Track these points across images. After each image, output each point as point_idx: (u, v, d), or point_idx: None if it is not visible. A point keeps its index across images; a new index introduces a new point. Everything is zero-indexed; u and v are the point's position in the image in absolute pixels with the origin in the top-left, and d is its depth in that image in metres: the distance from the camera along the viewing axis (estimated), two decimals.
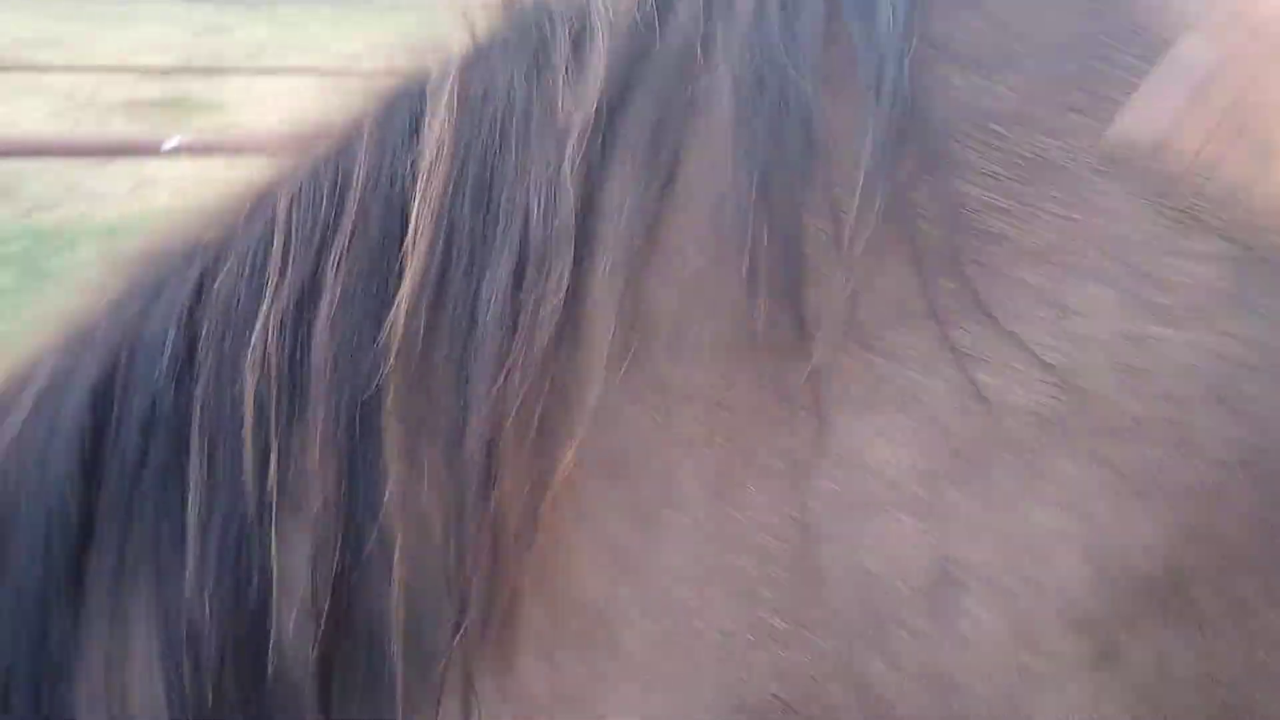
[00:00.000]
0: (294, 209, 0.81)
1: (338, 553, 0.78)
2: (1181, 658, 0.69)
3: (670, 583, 0.73)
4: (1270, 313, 0.71)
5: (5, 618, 0.81)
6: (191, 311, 0.82)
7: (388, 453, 0.78)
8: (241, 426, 0.79)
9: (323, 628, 0.78)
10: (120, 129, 9.12)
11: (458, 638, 0.76)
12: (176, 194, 7.85)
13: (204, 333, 0.81)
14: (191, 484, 0.79)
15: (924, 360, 0.72)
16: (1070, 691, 0.69)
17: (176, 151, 7.24)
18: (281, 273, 0.80)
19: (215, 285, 0.81)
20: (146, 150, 7.45)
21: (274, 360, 0.79)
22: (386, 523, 0.78)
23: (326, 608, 0.78)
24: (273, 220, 0.81)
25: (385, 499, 0.78)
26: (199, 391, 0.80)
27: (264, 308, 0.79)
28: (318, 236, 0.80)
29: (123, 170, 8.22)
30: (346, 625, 0.79)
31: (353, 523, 0.78)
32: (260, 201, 0.85)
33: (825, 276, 0.74)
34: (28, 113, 9.36)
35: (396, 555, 0.78)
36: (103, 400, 0.82)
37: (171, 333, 0.81)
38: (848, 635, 0.71)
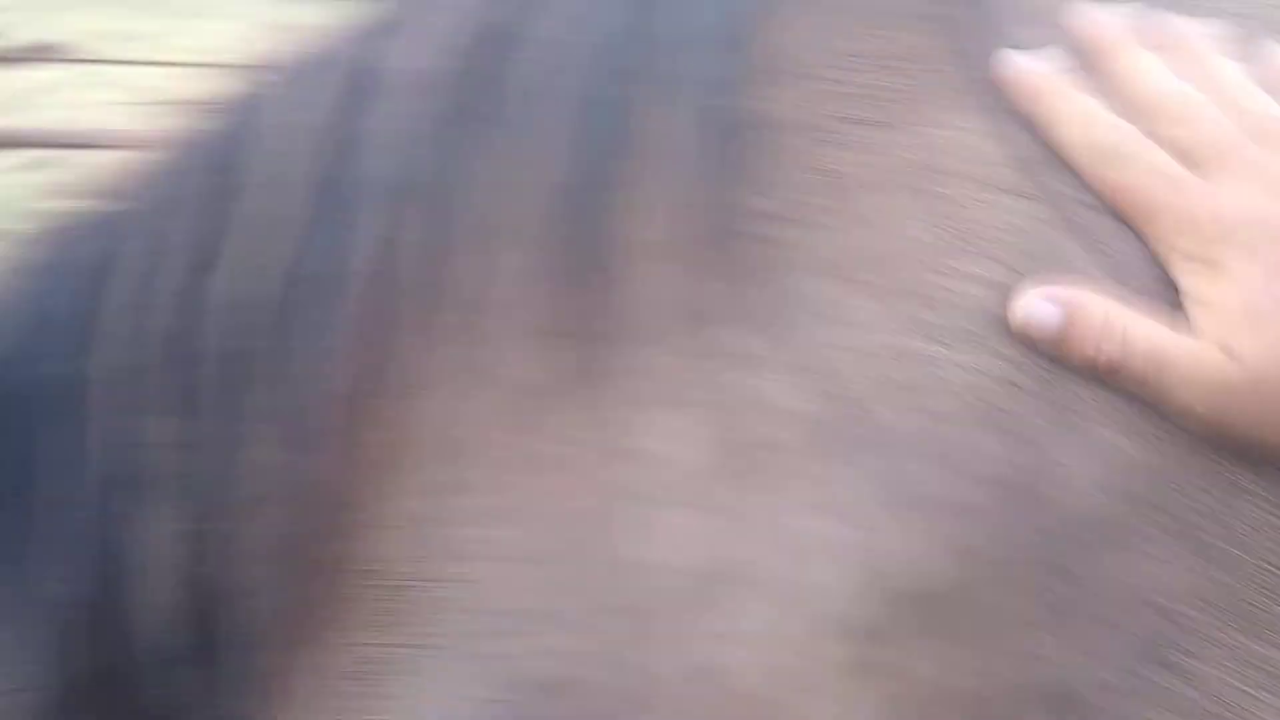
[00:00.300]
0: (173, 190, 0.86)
1: (194, 526, 0.81)
2: (935, 672, 0.71)
3: (460, 561, 0.76)
4: None
5: None
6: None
7: (248, 425, 0.82)
8: (84, 403, 0.83)
9: (178, 600, 0.83)
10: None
11: (281, 614, 0.80)
12: None
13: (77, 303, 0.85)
14: (46, 469, 0.83)
15: (704, 362, 0.75)
16: (832, 699, 0.71)
17: None
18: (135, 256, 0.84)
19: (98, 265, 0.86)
20: None
21: (123, 330, 0.83)
22: (241, 493, 0.81)
23: (184, 578, 0.82)
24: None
25: (237, 471, 0.81)
26: (71, 367, 0.85)
27: (115, 281, 0.84)
28: (179, 217, 0.85)
29: None
30: (201, 597, 0.82)
31: (211, 495, 0.82)
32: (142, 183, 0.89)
33: (622, 274, 0.77)
34: (101, 106, 9.63)
35: (239, 534, 0.82)
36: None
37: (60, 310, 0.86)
38: (620, 624, 0.74)
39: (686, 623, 0.73)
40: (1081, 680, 0.70)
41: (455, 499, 0.78)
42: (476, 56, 0.83)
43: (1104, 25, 0.79)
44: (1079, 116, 0.76)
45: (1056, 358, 0.72)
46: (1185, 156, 0.73)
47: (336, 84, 0.84)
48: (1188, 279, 0.71)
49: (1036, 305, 0.72)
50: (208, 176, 0.87)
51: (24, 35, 9.09)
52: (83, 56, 9.64)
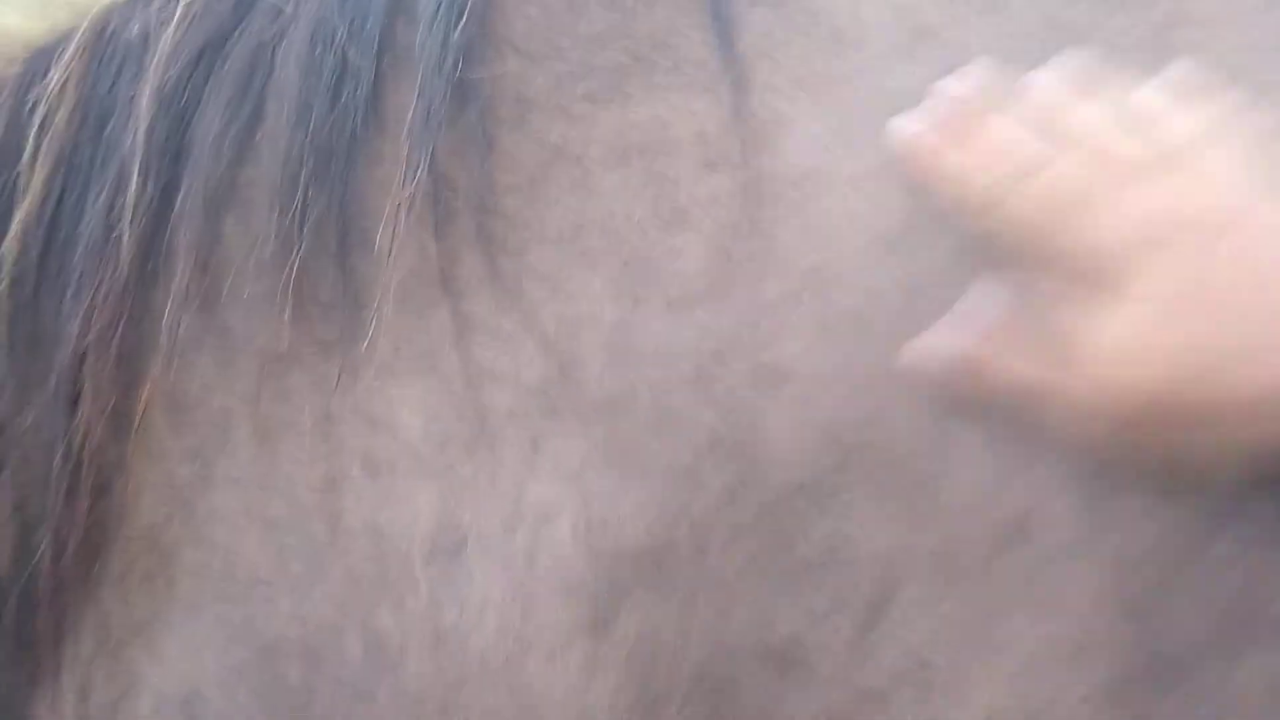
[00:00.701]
0: None
1: None
2: (666, 630, 0.73)
3: (216, 524, 0.79)
4: (740, 304, 0.76)
5: None
6: None
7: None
8: None
9: None
10: None
11: (52, 571, 0.82)
12: None
13: None
14: None
15: (442, 331, 0.78)
16: (567, 659, 0.74)
17: None
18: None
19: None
20: None
21: None
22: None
23: None
24: None
25: None
26: None
27: None
28: None
29: None
30: None
31: None
32: None
33: (368, 243, 0.79)
34: None
35: (4, 480, 0.84)
36: None
37: None
38: (361, 588, 0.76)
39: (424, 589, 0.75)
40: (802, 638, 0.72)
41: (215, 465, 0.80)
42: (231, 27, 0.84)
43: (963, 92, 0.76)
44: (959, 172, 0.74)
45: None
46: (1053, 201, 0.72)
47: (90, 52, 0.86)
48: (1064, 312, 0.70)
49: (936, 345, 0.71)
50: None
51: None
52: None
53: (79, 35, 0.88)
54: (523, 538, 0.75)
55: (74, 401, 0.82)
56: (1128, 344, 0.66)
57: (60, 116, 0.86)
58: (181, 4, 0.85)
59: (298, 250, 0.79)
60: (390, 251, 0.79)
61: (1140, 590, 0.69)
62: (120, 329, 0.82)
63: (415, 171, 0.78)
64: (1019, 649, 0.70)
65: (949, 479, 0.72)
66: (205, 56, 0.84)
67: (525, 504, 0.75)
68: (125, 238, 0.82)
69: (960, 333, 0.71)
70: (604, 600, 0.74)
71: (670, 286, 0.76)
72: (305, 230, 0.79)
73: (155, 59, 0.84)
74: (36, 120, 0.86)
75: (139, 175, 0.82)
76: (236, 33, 0.84)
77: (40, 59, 0.89)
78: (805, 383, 0.74)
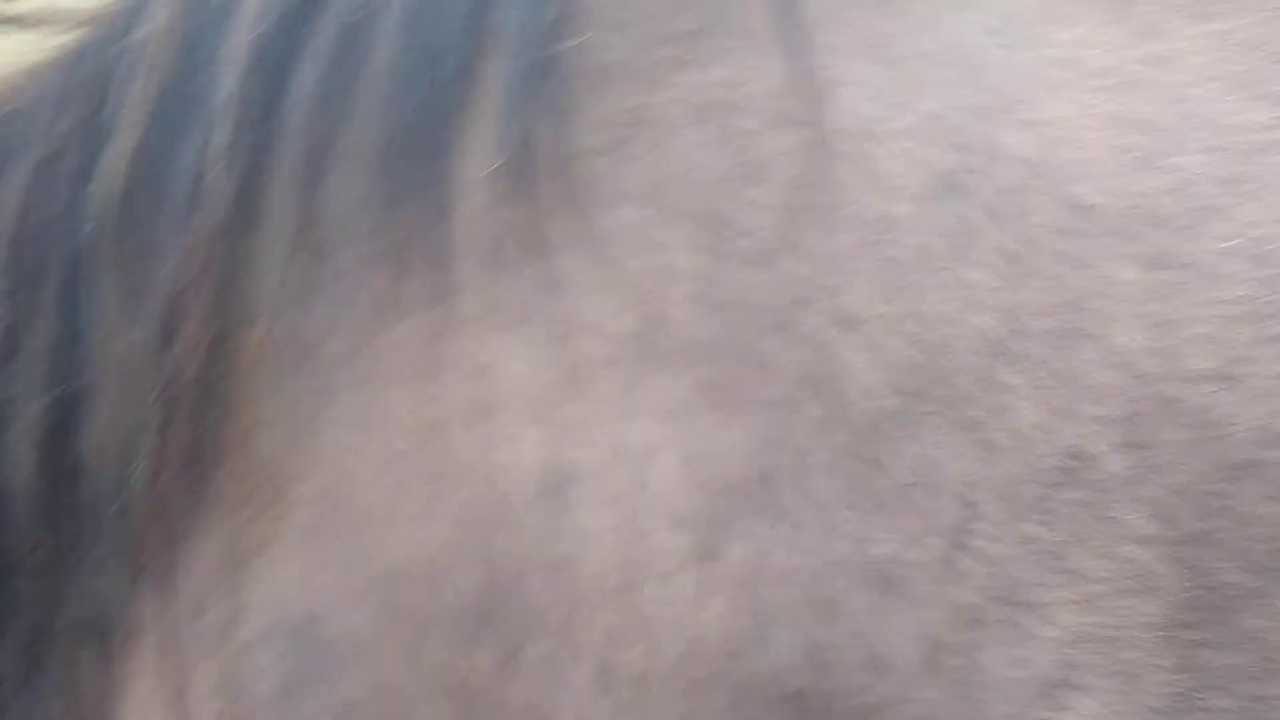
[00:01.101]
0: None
1: (50, 393, 0.90)
2: (774, 553, 0.79)
3: (334, 459, 0.85)
4: (815, 253, 0.83)
5: None
6: None
7: (96, 308, 0.89)
8: None
9: (45, 471, 0.90)
10: None
11: (153, 489, 0.87)
12: None
13: None
14: None
15: (538, 287, 0.84)
16: (677, 584, 0.80)
17: None
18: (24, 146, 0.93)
19: None
20: None
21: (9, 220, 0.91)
22: (93, 369, 0.89)
23: (42, 445, 0.90)
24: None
25: (93, 347, 0.89)
26: None
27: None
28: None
29: None
30: (63, 470, 0.91)
31: (64, 364, 0.90)
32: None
33: (459, 206, 0.85)
34: None
35: (100, 404, 0.89)
36: None
37: None
38: (478, 519, 0.82)
39: (539, 522, 0.82)
40: (899, 557, 0.79)
41: (334, 404, 0.85)
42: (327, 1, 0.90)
43: None
44: None
45: None
46: None
47: (186, 8, 0.91)
48: None
49: None
50: (72, 87, 0.94)
51: None
52: None
53: None
54: (628, 473, 0.81)
55: (171, 336, 0.88)
56: None
57: (157, 58, 0.91)
58: None
59: (391, 208, 0.86)
60: (481, 213, 0.85)
61: (1182, 531, 0.77)
62: (217, 270, 0.87)
63: (508, 136, 0.84)
64: (1089, 577, 0.77)
65: (1007, 414, 0.80)
66: (294, 18, 0.89)
67: (628, 442, 0.81)
68: (220, 183, 0.87)
69: None
70: (712, 528, 0.80)
71: (751, 237, 0.83)
72: (398, 190, 0.86)
73: (245, 15, 0.89)
74: (132, 62, 0.91)
75: (234, 124, 0.87)
76: (334, 5, 0.89)
77: (127, 11, 0.94)
78: (877, 324, 0.81)
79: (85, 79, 0.93)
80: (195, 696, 0.87)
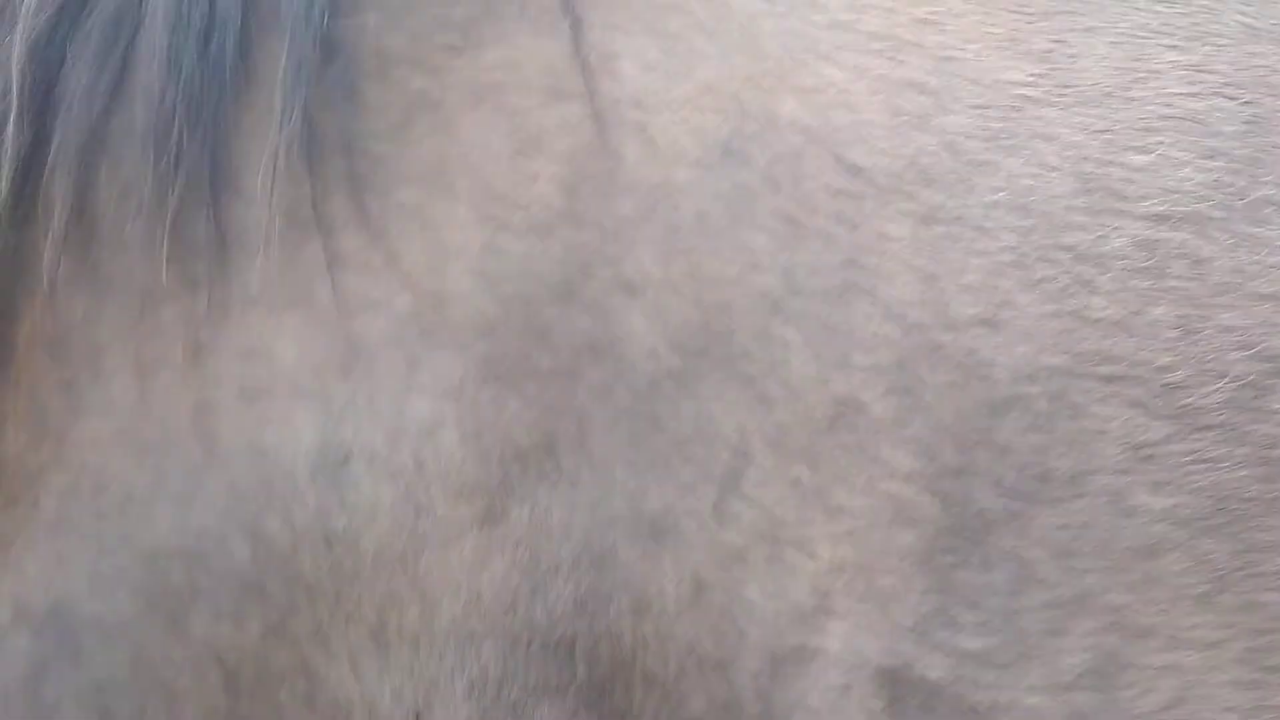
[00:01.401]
0: None
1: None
2: (554, 512, 0.81)
3: (87, 449, 0.84)
4: (597, 221, 0.84)
5: None
6: None
7: None
8: None
9: None
10: None
11: None
12: None
13: None
14: None
15: (314, 267, 0.84)
16: (458, 550, 0.81)
17: None
18: None
19: None
20: None
21: None
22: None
23: None
24: None
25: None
26: None
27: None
28: None
29: None
30: None
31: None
32: None
33: (240, 187, 0.85)
34: None
35: None
36: None
37: None
38: (245, 500, 0.82)
39: (311, 499, 0.81)
40: (675, 511, 0.81)
41: (89, 394, 0.84)
42: None
43: None
44: None
45: None
46: None
47: None
48: None
49: None
50: None
51: None
52: None
53: None
54: (409, 449, 0.81)
55: None
56: None
57: None
58: None
59: (172, 194, 0.84)
60: (261, 194, 0.84)
61: (943, 465, 0.80)
62: None
63: (288, 119, 0.84)
64: (850, 513, 0.80)
65: (781, 367, 0.82)
66: (71, 6, 0.88)
67: (408, 419, 0.81)
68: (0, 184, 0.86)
69: None
70: (494, 495, 0.81)
71: (530, 210, 0.83)
72: (179, 175, 0.84)
73: (24, 8, 0.87)
74: None
75: (14, 125, 0.86)
76: None
77: None
78: (659, 288, 0.82)
79: None
80: None
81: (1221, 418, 0.78)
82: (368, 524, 0.81)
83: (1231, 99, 0.86)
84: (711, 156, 0.84)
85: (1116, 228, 0.81)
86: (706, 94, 0.86)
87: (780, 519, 0.81)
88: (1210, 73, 0.87)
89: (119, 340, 0.84)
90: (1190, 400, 0.78)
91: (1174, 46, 0.89)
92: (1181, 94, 0.86)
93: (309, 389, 0.82)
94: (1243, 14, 0.91)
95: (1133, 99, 0.86)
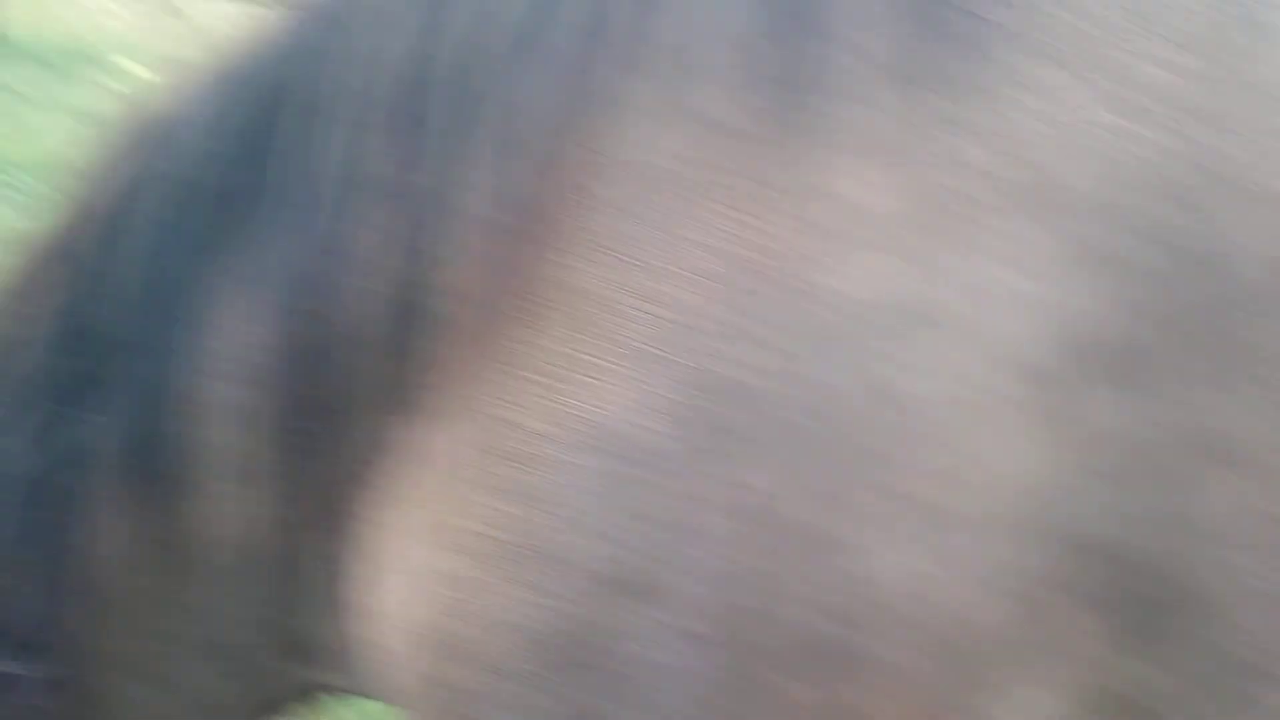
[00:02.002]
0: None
1: (419, 233, 0.93)
2: (1105, 417, 0.79)
3: (658, 279, 0.86)
4: (1225, 120, 0.81)
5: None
6: (341, 35, 0.98)
7: (474, 153, 0.92)
8: (364, 122, 0.94)
9: (399, 304, 0.93)
10: None
11: (476, 311, 0.90)
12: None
13: (352, 47, 0.97)
14: (317, 169, 0.95)
15: (907, 119, 0.83)
16: (1022, 437, 0.79)
17: None
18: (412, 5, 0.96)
19: (368, 16, 0.98)
20: None
21: (399, 69, 0.95)
22: (459, 215, 0.92)
23: (406, 284, 0.93)
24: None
25: (461, 193, 0.92)
26: (331, 94, 0.96)
27: (390, 41, 0.96)
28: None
29: None
30: (414, 306, 0.94)
31: (434, 209, 0.93)
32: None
33: (834, 34, 0.85)
34: None
35: (457, 242, 0.92)
36: (265, 97, 0.99)
37: (325, 45, 0.98)
38: (806, 344, 0.82)
39: (871, 351, 0.81)
40: (1241, 434, 0.79)
41: (653, 224, 0.86)
42: None
43: None
44: None
45: None
46: None
47: None
48: None
49: None
50: None
51: None
52: None
53: None
54: (978, 317, 0.80)
55: (518, 161, 0.90)
56: None
57: None
58: None
59: (759, 33, 0.86)
60: (858, 43, 0.84)
61: None
62: (586, 99, 0.89)
63: None
64: None
65: None
66: None
67: (983, 287, 0.80)
68: (611, 27, 0.90)
69: None
70: (1051, 383, 0.79)
71: (1142, 93, 0.81)
72: (768, 17, 0.86)
73: None
74: None
75: None
76: None
77: None
78: (1270, 204, 0.80)
79: None
80: (474, 509, 0.89)
81: None
82: (929, 387, 0.80)
83: None
84: None
85: None
86: None
87: None
88: None
89: (695, 174, 0.86)
90: None
91: None
92: None
93: (891, 242, 0.82)
94: None
95: None
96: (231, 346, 0.97)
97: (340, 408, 0.97)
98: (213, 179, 0.99)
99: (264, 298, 0.96)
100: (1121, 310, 0.79)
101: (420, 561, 0.91)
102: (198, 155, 1.00)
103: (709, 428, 0.84)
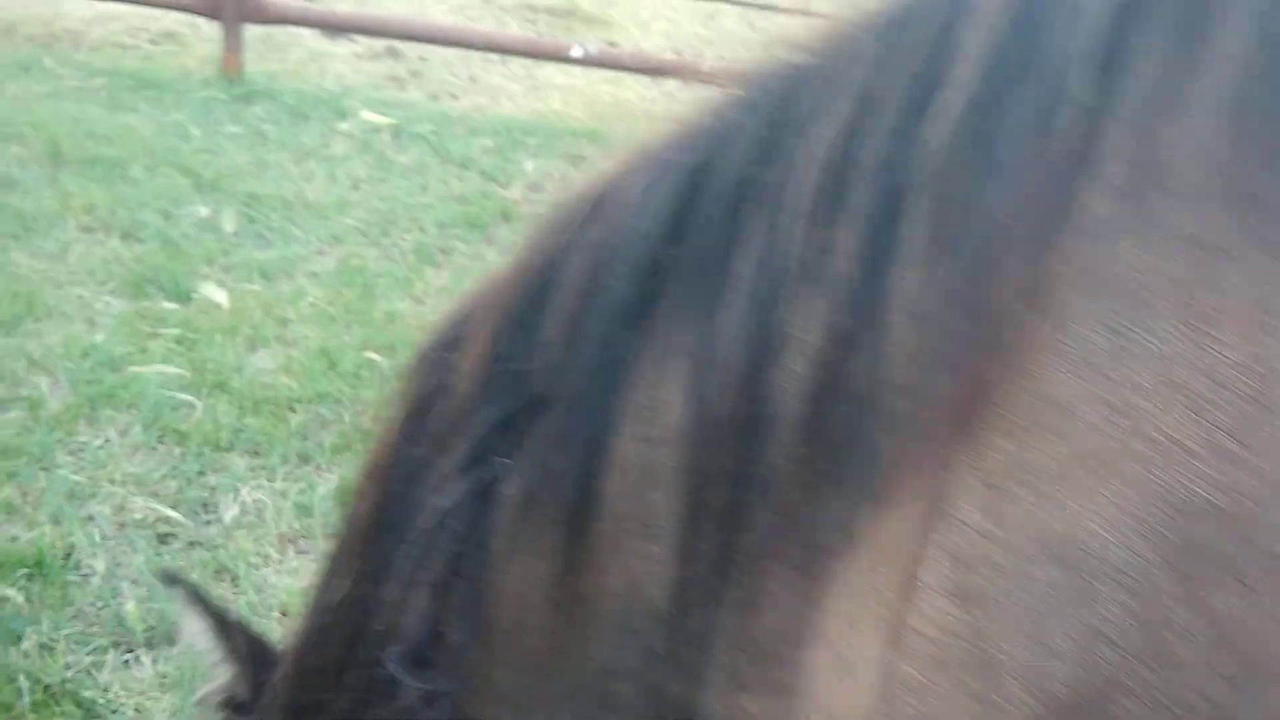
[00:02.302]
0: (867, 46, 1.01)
1: (843, 319, 0.93)
2: None
3: (1131, 391, 0.84)
4: None
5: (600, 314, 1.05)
6: (773, 120, 1.00)
7: (904, 245, 0.92)
8: (791, 208, 0.96)
9: (819, 385, 0.93)
10: (515, 30, 9.76)
11: (936, 410, 0.90)
12: (566, 99, 8.40)
13: (781, 137, 0.99)
14: (744, 249, 0.97)
15: None
16: None
17: (583, 59, 7.75)
18: (846, 95, 0.98)
19: (794, 102, 1.00)
20: (549, 54, 8.01)
21: (828, 160, 0.96)
22: (889, 303, 0.92)
23: (827, 366, 0.93)
24: (849, 54, 1.02)
25: (891, 283, 0.92)
26: (766, 178, 0.98)
27: (820, 129, 0.97)
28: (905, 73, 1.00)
29: (519, 69, 8.83)
30: (837, 388, 0.94)
31: (861, 298, 0.93)
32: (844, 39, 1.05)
33: None
34: (432, 5, 10.16)
35: (891, 334, 0.92)
36: (696, 177, 1.02)
37: (757, 134, 1.00)
38: None
39: None
40: None
41: (1129, 338, 0.85)
42: None
43: None
44: None
45: None
46: None
47: None
48: None
49: None
50: (893, 45, 1.02)
51: None
52: None
53: None
54: None
55: (984, 268, 0.90)
56: None
57: (992, 16, 0.95)
58: None
59: (1233, 150, 0.85)
60: None
61: None
62: (1040, 205, 0.89)
63: None
64: None
65: None
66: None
67: None
68: (1062, 130, 0.89)
69: None
70: None
71: None
72: (1243, 132, 0.85)
73: None
74: (965, 21, 0.98)
75: (1077, 80, 0.90)
76: None
77: None
78: None
79: (909, 37, 1.01)
80: (921, 608, 0.89)
81: None
82: None
83: None
84: None
85: None
86: None
87: None
88: None
89: (1172, 291, 0.85)
90: None
91: None
92: None
93: None
94: None
95: None
96: (649, 410, 1.02)
97: (756, 482, 0.99)
98: (639, 251, 1.04)
99: (683, 367, 1.00)
100: None
101: (860, 654, 0.92)
102: (626, 228, 1.05)
103: (1181, 548, 0.82)
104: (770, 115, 1.01)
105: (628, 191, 1.07)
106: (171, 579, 1.40)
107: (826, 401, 0.95)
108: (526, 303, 1.12)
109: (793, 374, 0.95)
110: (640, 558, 1.04)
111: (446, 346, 1.16)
